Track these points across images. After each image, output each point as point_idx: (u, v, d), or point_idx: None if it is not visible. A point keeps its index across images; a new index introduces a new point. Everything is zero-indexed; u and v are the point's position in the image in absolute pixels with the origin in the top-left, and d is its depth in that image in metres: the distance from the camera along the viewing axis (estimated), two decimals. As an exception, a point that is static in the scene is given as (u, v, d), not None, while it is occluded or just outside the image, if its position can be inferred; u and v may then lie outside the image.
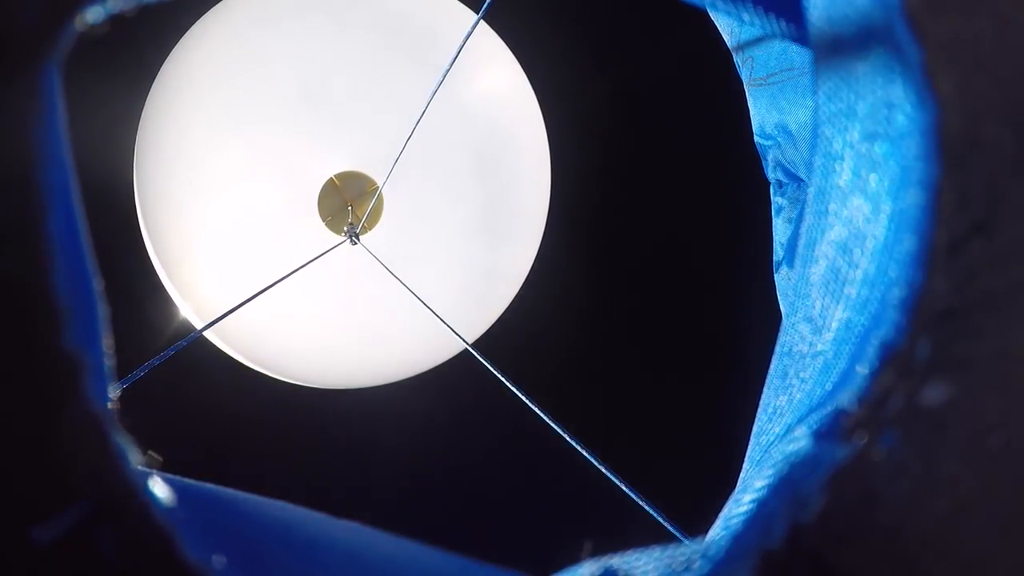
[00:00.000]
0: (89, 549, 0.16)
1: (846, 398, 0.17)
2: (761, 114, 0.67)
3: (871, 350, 0.17)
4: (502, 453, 1.55)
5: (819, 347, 0.25)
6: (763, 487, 0.19)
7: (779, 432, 0.30)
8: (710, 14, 0.63)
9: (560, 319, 1.55)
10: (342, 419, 1.49)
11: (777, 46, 0.62)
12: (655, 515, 0.58)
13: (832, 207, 0.22)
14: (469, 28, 0.65)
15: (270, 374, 1.23)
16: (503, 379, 0.75)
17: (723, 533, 0.20)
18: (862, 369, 0.17)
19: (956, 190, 0.16)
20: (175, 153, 1.06)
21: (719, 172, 1.47)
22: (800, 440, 0.18)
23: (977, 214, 0.16)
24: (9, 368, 0.15)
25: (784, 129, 0.65)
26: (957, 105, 0.16)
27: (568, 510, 1.50)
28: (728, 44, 0.68)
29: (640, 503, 0.59)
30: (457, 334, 0.93)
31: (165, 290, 1.13)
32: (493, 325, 1.28)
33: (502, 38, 1.16)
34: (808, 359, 0.26)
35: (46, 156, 0.16)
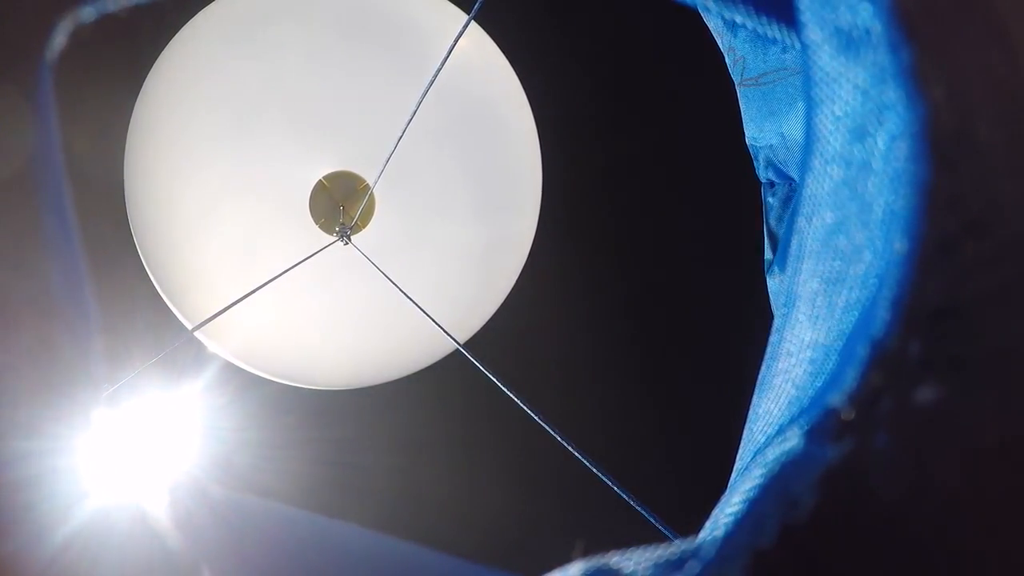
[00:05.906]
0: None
1: (837, 398, 0.17)
2: (752, 114, 0.67)
3: (862, 350, 0.17)
4: (494, 453, 1.55)
5: (810, 348, 0.25)
6: (754, 487, 0.19)
7: (770, 432, 0.30)
8: (702, 15, 0.63)
9: (552, 318, 1.56)
10: (335, 419, 1.48)
11: (769, 47, 0.62)
12: (647, 515, 0.58)
13: (823, 208, 0.22)
14: (460, 28, 0.64)
15: (262, 375, 1.22)
16: (494, 379, 0.75)
17: (714, 533, 0.20)
18: (853, 369, 0.17)
19: (947, 191, 0.16)
20: (164, 158, 1.05)
21: (710, 171, 1.48)
22: (791, 440, 0.18)
23: (968, 214, 0.16)
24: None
25: (775, 130, 0.66)
26: (948, 106, 0.16)
27: (559, 510, 1.50)
28: (719, 44, 0.68)
29: (632, 503, 0.59)
30: (448, 334, 0.93)
31: (157, 292, 1.12)
32: (486, 324, 1.27)
33: (488, 32, 1.15)
34: (799, 359, 0.26)
35: (39, 155, 0.16)
